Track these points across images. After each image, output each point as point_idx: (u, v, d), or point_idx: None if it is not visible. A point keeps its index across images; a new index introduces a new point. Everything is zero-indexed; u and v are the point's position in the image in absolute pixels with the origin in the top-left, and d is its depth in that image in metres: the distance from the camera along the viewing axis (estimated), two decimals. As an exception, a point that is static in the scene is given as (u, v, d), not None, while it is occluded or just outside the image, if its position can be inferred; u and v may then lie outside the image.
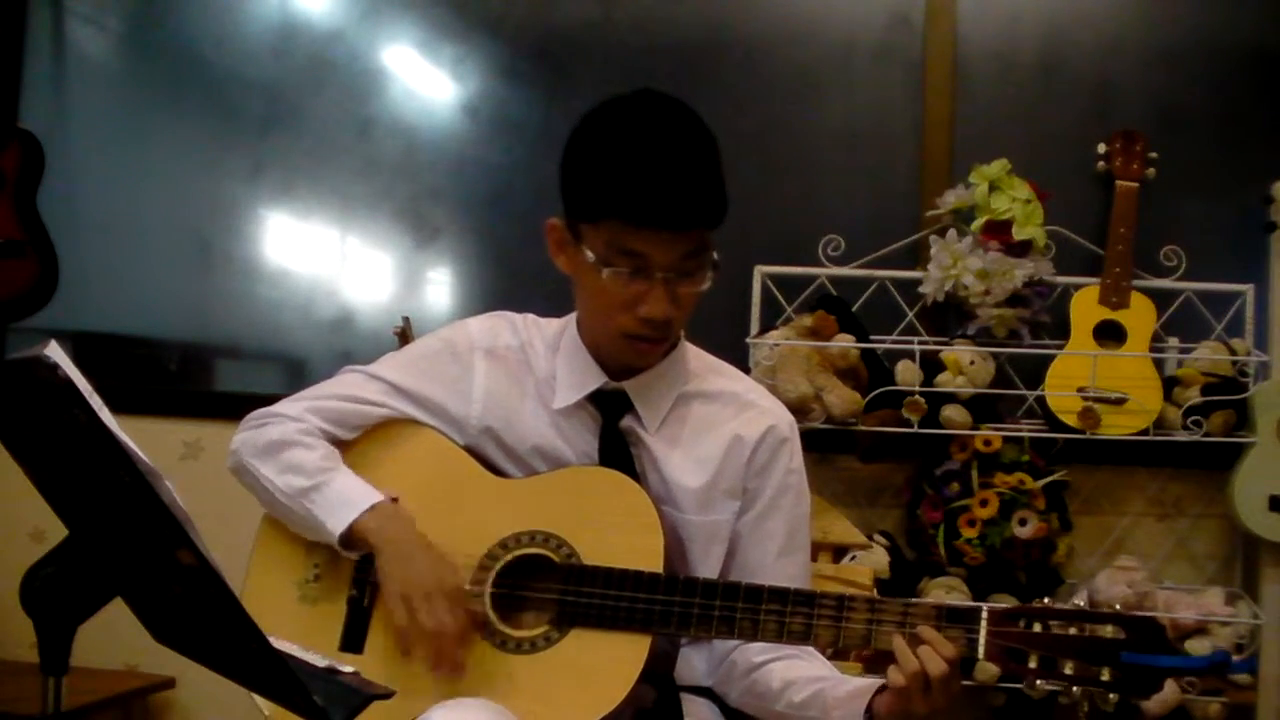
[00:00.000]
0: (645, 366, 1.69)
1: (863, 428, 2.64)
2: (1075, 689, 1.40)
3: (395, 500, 1.69)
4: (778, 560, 1.70)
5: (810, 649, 1.67)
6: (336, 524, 1.63)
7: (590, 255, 1.57)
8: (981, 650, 1.44)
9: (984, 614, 1.45)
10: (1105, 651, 1.40)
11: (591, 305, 1.65)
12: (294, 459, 1.68)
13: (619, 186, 1.53)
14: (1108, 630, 1.41)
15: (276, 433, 1.71)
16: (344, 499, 1.64)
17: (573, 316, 1.74)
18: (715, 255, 1.60)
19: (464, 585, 1.60)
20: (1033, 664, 1.42)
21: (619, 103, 1.60)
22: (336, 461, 1.70)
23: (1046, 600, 1.47)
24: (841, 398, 2.61)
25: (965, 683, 2.53)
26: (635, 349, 1.63)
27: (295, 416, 1.73)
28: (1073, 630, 1.42)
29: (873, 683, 1.52)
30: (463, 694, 1.55)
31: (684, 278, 1.57)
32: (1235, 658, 2.58)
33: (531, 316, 1.80)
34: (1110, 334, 2.66)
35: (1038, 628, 1.43)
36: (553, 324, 1.78)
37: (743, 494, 1.70)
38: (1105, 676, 1.39)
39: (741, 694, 1.69)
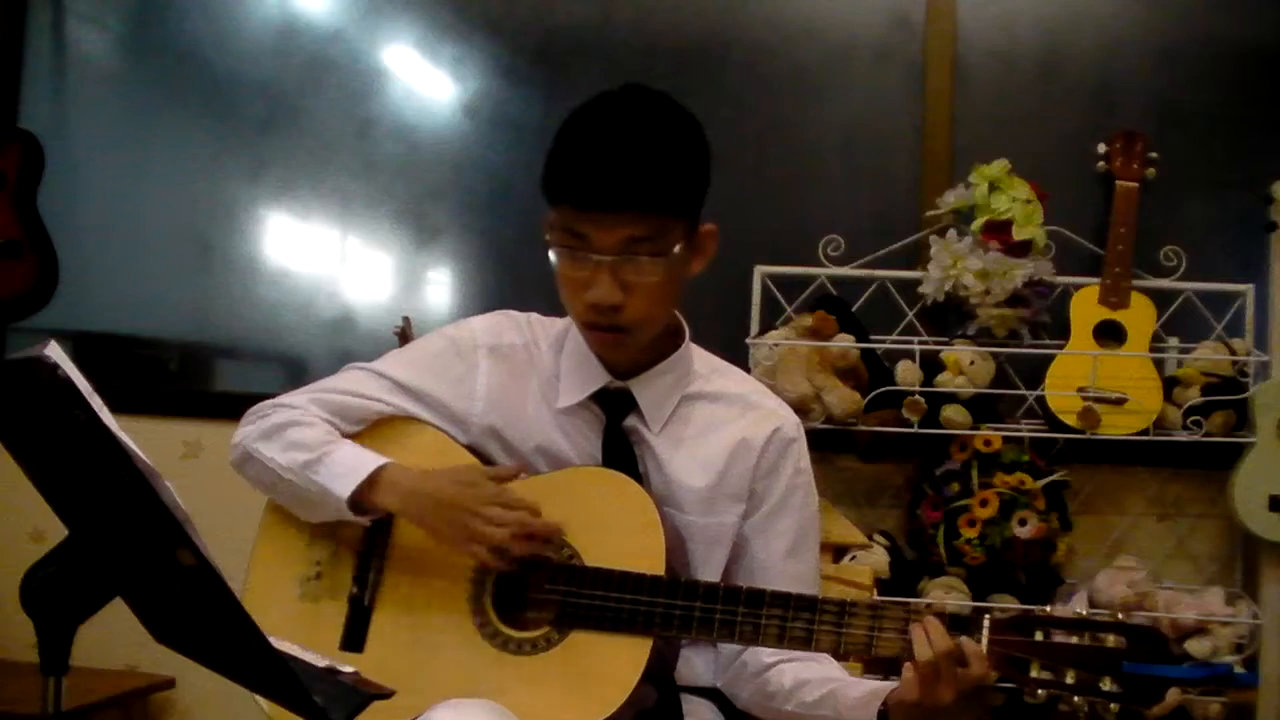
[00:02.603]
0: (613, 360, 1.68)
1: (863, 428, 2.63)
2: (1077, 698, 1.40)
3: None
4: (785, 560, 1.70)
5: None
6: (343, 489, 1.62)
7: (548, 238, 1.59)
8: None
9: (986, 622, 1.45)
10: (1107, 661, 1.40)
11: (561, 294, 1.65)
12: (296, 436, 1.68)
13: (560, 169, 1.55)
14: (1110, 639, 1.41)
15: (278, 417, 1.71)
16: (348, 466, 1.64)
17: (577, 315, 1.74)
18: (677, 249, 1.57)
19: (483, 471, 1.62)
20: (1034, 673, 1.42)
21: (596, 95, 1.60)
22: (338, 436, 1.70)
23: (1049, 608, 1.47)
24: (841, 398, 2.61)
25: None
26: (593, 338, 1.64)
27: (297, 405, 1.73)
28: (1075, 639, 1.42)
29: (888, 684, 1.52)
30: (464, 694, 1.56)
31: (630, 263, 1.55)
32: (1235, 663, 2.57)
33: (535, 315, 1.80)
34: (1110, 334, 2.66)
35: (1040, 636, 1.43)
36: (557, 323, 1.78)
37: (749, 496, 1.70)
38: (1107, 686, 1.40)
39: (752, 694, 1.69)
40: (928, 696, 1.42)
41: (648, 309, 1.59)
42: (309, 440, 1.67)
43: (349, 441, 1.69)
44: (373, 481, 1.63)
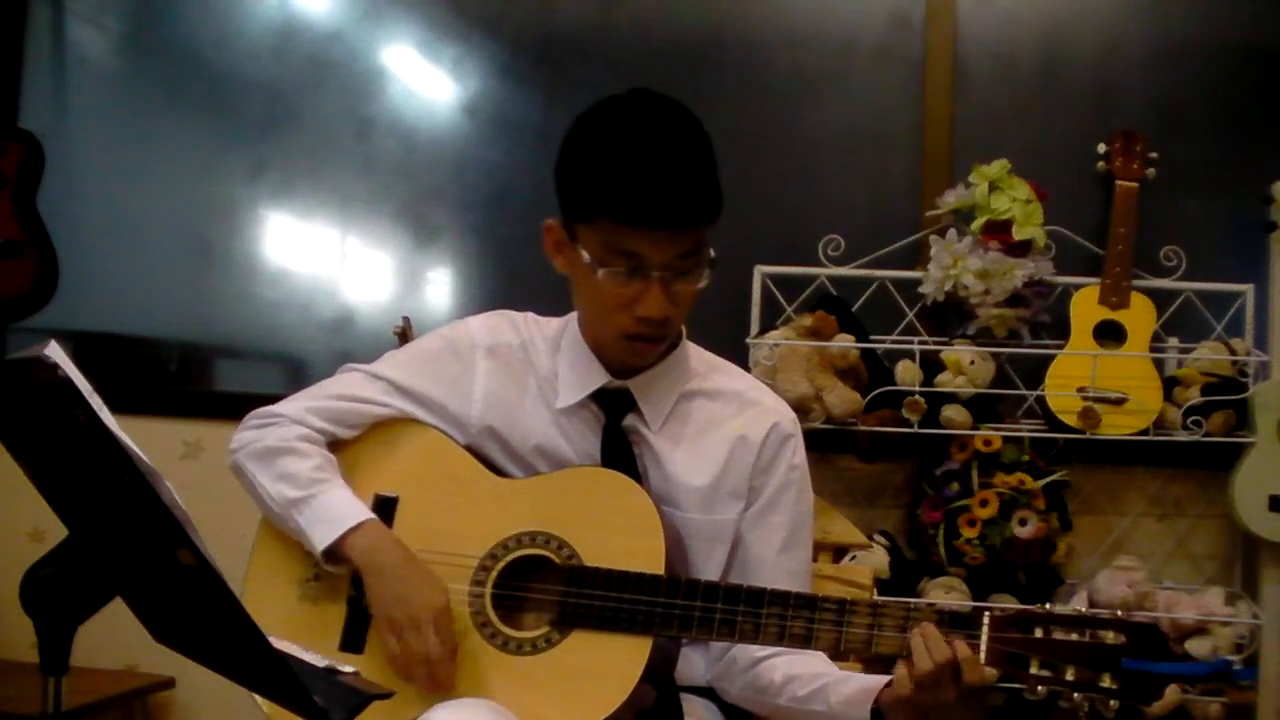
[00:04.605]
0: (645, 365, 1.69)
1: (863, 428, 2.64)
2: (1076, 695, 1.40)
3: (394, 499, 1.69)
4: (779, 556, 1.70)
5: None
6: (320, 540, 1.63)
7: (586, 256, 1.57)
8: (983, 655, 1.43)
9: (986, 619, 1.45)
10: (1106, 658, 1.40)
11: (589, 306, 1.65)
12: (287, 468, 1.68)
13: (612, 186, 1.53)
14: (1109, 636, 1.41)
15: (274, 437, 1.71)
16: (330, 515, 1.64)
17: (573, 316, 1.74)
18: (712, 253, 1.59)
19: (449, 606, 1.60)
20: (1034, 670, 1.42)
21: (612, 102, 1.60)
22: (329, 472, 1.69)
23: (1048, 605, 1.46)
24: (841, 398, 2.61)
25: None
26: (634, 348, 1.63)
27: (295, 418, 1.72)
28: (1074, 636, 1.42)
29: (879, 679, 1.52)
30: (464, 694, 1.56)
31: (680, 276, 1.57)
32: (1235, 660, 2.57)
33: (532, 315, 1.80)
34: (1110, 334, 2.66)
35: (1039, 633, 1.43)
36: (553, 323, 1.78)
37: (748, 492, 1.70)
38: (1106, 683, 1.39)
39: (742, 688, 1.69)
40: (927, 698, 1.42)
41: (685, 314, 1.63)
42: (299, 475, 1.67)
43: (337, 483, 1.69)
44: (348, 534, 1.63)
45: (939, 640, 1.43)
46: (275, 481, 1.68)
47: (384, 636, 1.60)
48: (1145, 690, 1.39)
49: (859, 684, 1.55)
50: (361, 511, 1.65)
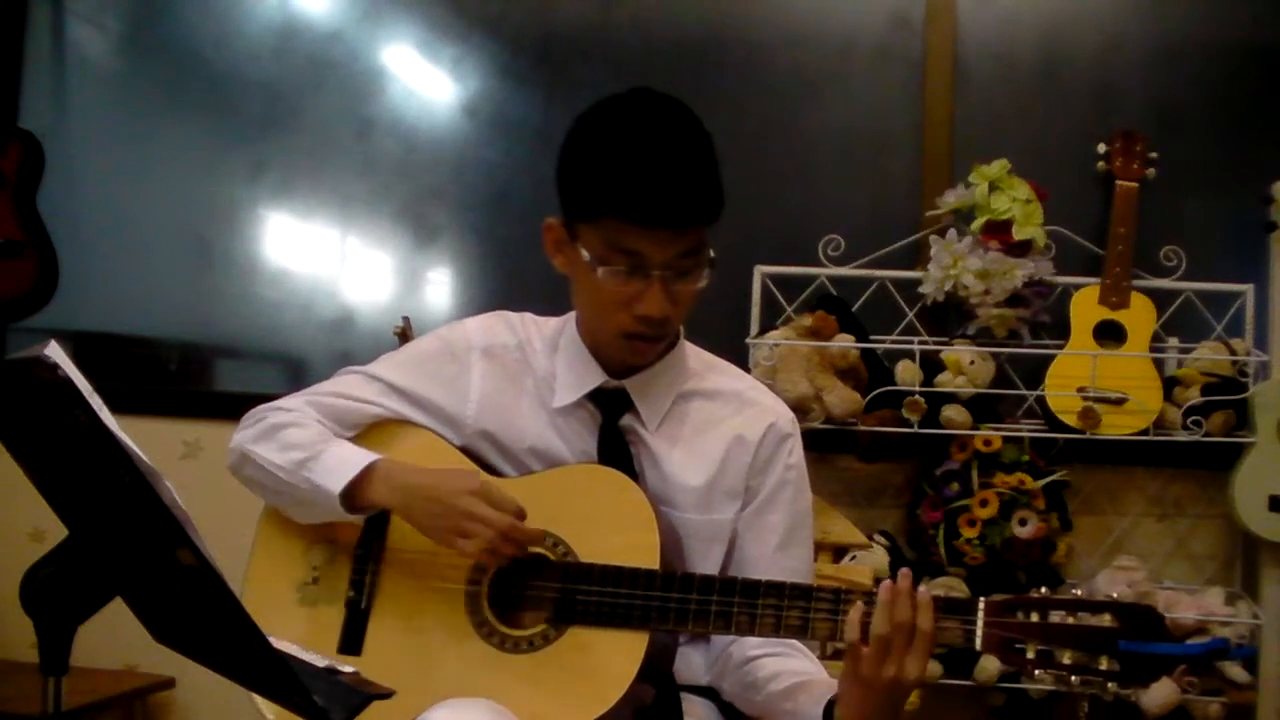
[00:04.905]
0: (643, 365, 1.69)
1: (863, 428, 2.64)
2: (1074, 678, 1.39)
3: None
4: (776, 554, 1.70)
5: (804, 648, 1.67)
6: (335, 484, 1.62)
7: (587, 254, 1.57)
8: (979, 641, 1.43)
9: (980, 605, 1.44)
10: (1103, 640, 1.39)
11: (589, 304, 1.65)
12: (291, 437, 1.68)
13: (615, 184, 1.53)
14: (1105, 619, 1.40)
15: (274, 419, 1.72)
16: (340, 464, 1.64)
17: (571, 315, 1.74)
18: (712, 253, 1.60)
19: (484, 477, 1.60)
20: (1030, 655, 1.41)
21: (615, 101, 1.60)
22: (332, 436, 1.70)
23: (1044, 590, 1.46)
24: (841, 398, 2.61)
25: (965, 683, 2.56)
26: (633, 347, 1.63)
27: (293, 408, 1.73)
28: (1070, 620, 1.41)
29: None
30: (462, 694, 1.56)
31: (681, 276, 1.57)
32: (1236, 663, 2.57)
33: (530, 315, 1.80)
34: (1110, 334, 2.66)
35: (1035, 618, 1.42)
36: (551, 323, 1.78)
37: (745, 492, 1.70)
38: (1104, 665, 1.38)
39: (734, 685, 1.69)
40: (882, 669, 1.41)
41: (685, 314, 1.63)
42: (303, 440, 1.68)
43: (342, 440, 1.70)
44: (365, 477, 1.63)
45: (905, 605, 1.41)
46: (281, 452, 1.67)
47: (455, 548, 1.58)
48: (1143, 671, 1.38)
49: (828, 682, 1.55)
50: (369, 455, 1.65)
